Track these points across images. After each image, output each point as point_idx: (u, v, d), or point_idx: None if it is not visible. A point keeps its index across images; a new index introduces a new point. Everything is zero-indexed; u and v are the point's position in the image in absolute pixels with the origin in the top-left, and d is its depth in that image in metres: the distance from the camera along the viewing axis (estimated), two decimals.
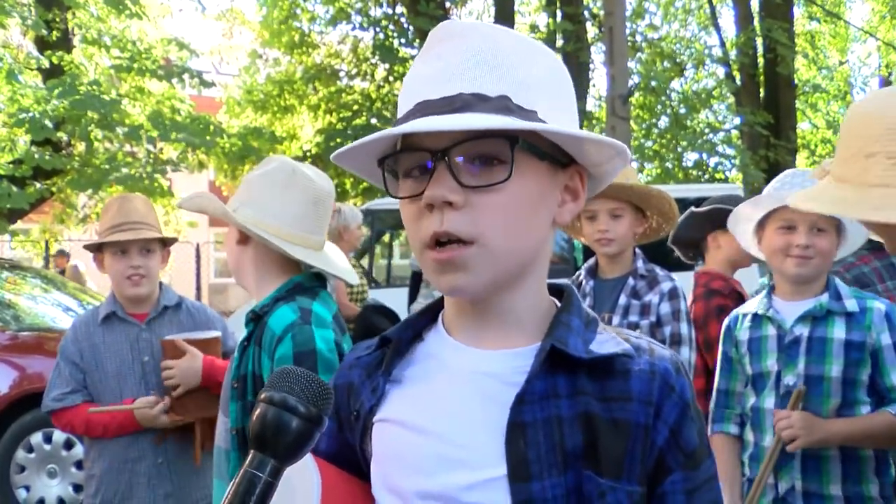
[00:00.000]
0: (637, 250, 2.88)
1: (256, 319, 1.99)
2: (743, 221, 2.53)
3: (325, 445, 1.18)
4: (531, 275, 1.06)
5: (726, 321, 2.60)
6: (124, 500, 2.74)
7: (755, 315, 2.46)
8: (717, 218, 3.33)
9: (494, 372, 1.03)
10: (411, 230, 1.02)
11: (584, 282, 2.90)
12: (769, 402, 2.37)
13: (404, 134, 0.99)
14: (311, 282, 2.08)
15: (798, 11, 21.31)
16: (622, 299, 2.76)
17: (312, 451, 1.12)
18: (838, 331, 2.29)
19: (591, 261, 2.93)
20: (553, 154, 1.02)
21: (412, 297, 6.14)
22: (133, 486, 2.73)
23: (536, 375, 0.99)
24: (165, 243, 2.94)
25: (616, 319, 2.73)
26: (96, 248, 2.87)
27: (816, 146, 25.52)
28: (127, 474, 2.74)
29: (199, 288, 16.29)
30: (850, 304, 2.32)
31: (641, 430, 0.99)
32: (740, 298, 3.17)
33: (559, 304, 1.10)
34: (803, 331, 2.33)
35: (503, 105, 0.96)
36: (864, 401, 2.27)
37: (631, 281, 2.79)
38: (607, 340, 1.04)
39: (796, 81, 19.90)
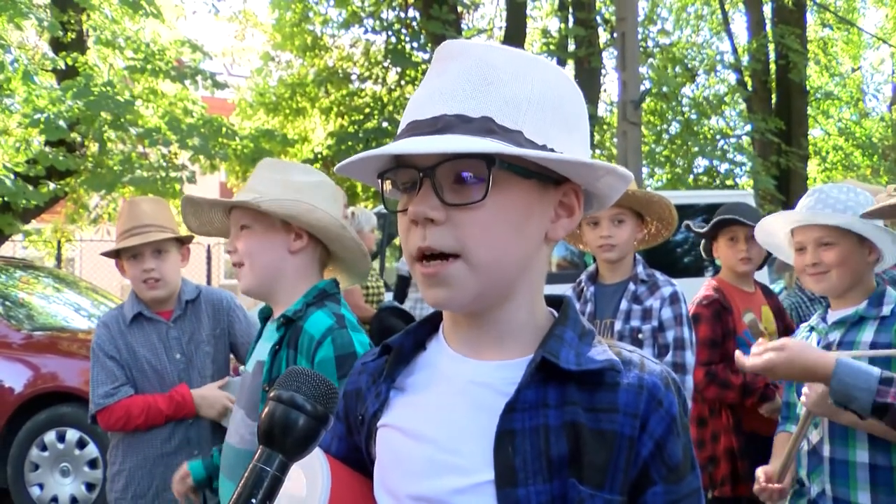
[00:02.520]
0: (637, 256, 2.91)
1: (288, 324, 2.00)
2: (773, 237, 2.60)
3: (336, 448, 1.23)
4: (523, 288, 1.08)
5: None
6: (159, 493, 2.77)
7: (811, 328, 2.56)
8: (708, 229, 3.41)
9: (487, 382, 1.06)
10: (403, 241, 1.06)
11: (584, 287, 2.93)
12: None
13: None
14: (333, 288, 2.09)
15: (811, 18, 21.27)
16: (623, 304, 2.79)
17: (325, 451, 1.16)
18: (866, 335, 2.35)
19: (592, 267, 2.97)
20: (541, 172, 1.03)
21: (400, 301, 6.18)
22: (168, 480, 2.73)
23: (527, 386, 1.02)
24: (182, 242, 2.92)
25: (618, 324, 2.76)
26: (115, 255, 2.88)
27: (828, 153, 25.42)
28: (162, 468, 2.76)
29: None
30: (886, 309, 2.36)
31: (626, 442, 1.01)
32: (722, 309, 3.23)
33: (557, 316, 1.12)
34: (835, 336, 2.41)
35: (485, 126, 0.98)
36: None
37: (632, 286, 2.82)
38: (599, 353, 1.06)
39: (808, 88, 19.84)
